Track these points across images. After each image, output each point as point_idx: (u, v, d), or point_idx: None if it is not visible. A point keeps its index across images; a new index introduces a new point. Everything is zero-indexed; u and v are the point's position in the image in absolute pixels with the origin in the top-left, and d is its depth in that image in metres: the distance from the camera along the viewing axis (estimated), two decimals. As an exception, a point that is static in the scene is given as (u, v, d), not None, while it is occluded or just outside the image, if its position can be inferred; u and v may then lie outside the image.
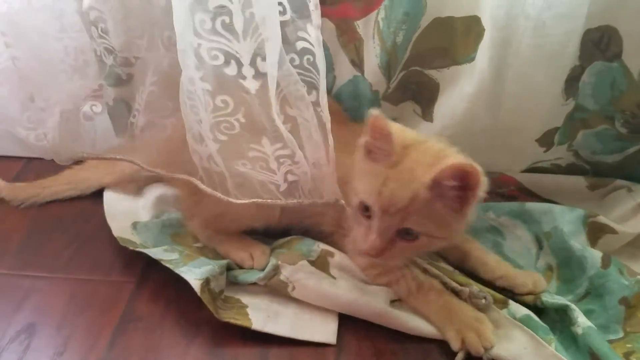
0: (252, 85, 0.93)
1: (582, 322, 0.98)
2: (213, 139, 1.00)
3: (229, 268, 1.10)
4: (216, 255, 1.14)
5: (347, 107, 1.29)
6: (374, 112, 0.88)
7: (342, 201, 1.06)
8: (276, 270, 1.06)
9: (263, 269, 1.08)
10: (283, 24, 0.90)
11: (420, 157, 0.91)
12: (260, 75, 0.92)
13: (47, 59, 1.13)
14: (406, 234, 0.92)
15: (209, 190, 1.08)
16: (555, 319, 1.04)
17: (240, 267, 1.12)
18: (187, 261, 1.07)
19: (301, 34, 0.91)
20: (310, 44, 0.92)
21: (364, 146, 0.94)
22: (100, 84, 1.15)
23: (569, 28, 1.03)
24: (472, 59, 1.12)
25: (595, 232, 1.17)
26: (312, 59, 0.94)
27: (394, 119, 1.27)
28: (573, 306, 1.00)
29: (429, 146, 0.94)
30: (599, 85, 1.15)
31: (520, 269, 1.13)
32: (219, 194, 1.07)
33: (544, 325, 1.01)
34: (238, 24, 0.87)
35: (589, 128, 1.22)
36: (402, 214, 0.89)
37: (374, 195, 0.90)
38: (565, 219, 1.16)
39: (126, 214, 1.23)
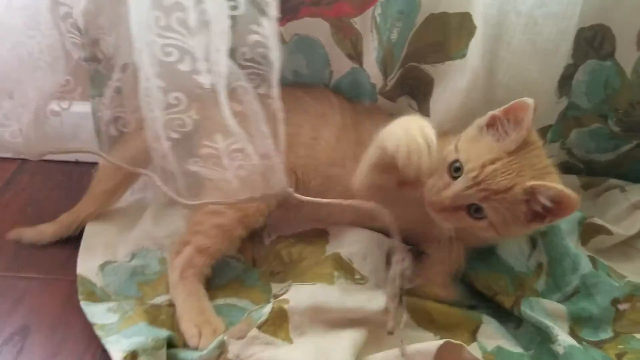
0: (206, 79, 0.92)
1: (563, 340, 0.96)
2: (166, 137, 0.99)
3: (171, 345, 0.98)
4: (170, 320, 1.04)
5: (347, 98, 1.29)
6: (527, 100, 0.90)
7: (290, 189, 1.04)
8: (222, 347, 0.95)
9: None
10: (236, 18, 0.90)
11: (534, 160, 0.93)
12: (213, 69, 0.92)
13: (26, 56, 1.12)
14: (475, 211, 0.93)
15: (164, 188, 1.06)
16: (533, 332, 1.03)
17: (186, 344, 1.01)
18: (123, 327, 0.98)
19: (254, 27, 0.91)
20: (264, 37, 0.92)
21: (490, 117, 0.96)
22: (67, 79, 1.14)
23: (561, 27, 1.02)
24: (464, 55, 1.12)
25: (590, 232, 1.17)
26: (264, 52, 0.93)
27: (391, 115, 1.28)
28: (550, 324, 0.99)
29: (542, 155, 0.96)
30: (592, 83, 1.15)
31: (510, 268, 1.14)
32: (172, 194, 1.05)
33: (518, 352, 1.00)
34: (192, 20, 0.87)
35: (582, 126, 1.22)
36: (487, 195, 0.91)
37: (476, 164, 0.92)
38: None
39: (104, 248, 1.19)
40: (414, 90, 1.25)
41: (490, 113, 0.96)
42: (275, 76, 0.94)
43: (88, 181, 1.26)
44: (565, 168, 1.28)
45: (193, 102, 0.95)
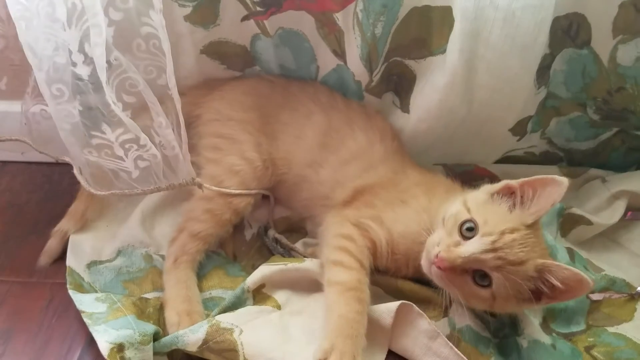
0: (83, 71, 0.94)
1: (528, 334, 0.97)
2: (60, 128, 1.01)
3: (156, 338, 0.97)
4: (156, 314, 1.05)
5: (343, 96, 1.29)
6: (561, 179, 0.88)
7: (198, 179, 1.07)
8: (214, 326, 0.95)
9: None
10: (127, 10, 0.93)
11: (540, 238, 0.92)
12: (91, 61, 0.93)
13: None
14: (480, 278, 0.91)
15: (78, 176, 1.08)
16: (504, 323, 1.03)
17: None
18: (111, 318, 0.99)
19: (145, 19, 0.93)
20: (155, 28, 0.94)
21: (504, 186, 0.94)
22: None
23: (539, 18, 1.02)
24: (444, 51, 1.12)
25: (571, 223, 1.18)
26: (157, 44, 0.95)
27: (377, 111, 1.28)
28: (522, 316, 0.99)
29: (542, 235, 0.95)
30: (570, 72, 1.16)
31: None
32: (84, 183, 1.07)
33: (486, 336, 1.00)
34: (61, 13, 0.89)
35: (561, 115, 1.23)
36: (498, 264, 0.88)
37: (495, 229, 0.89)
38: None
39: (91, 246, 1.18)
40: (397, 87, 1.25)
41: (505, 182, 0.94)
42: (169, 67, 0.96)
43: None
44: (546, 158, 1.32)
45: (76, 94, 0.96)
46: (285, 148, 1.18)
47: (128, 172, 1.04)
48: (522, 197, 0.92)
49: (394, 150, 1.17)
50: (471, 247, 0.88)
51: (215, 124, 1.22)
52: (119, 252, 1.17)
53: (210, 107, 1.24)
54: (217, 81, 1.28)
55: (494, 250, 0.87)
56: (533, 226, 0.90)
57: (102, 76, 0.93)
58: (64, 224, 1.18)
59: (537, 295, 0.89)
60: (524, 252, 0.87)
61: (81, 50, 0.92)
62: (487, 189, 0.96)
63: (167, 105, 1.00)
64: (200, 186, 1.09)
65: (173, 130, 1.01)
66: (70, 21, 0.90)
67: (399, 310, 0.95)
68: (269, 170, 1.18)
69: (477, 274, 0.90)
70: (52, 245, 1.16)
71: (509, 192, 0.93)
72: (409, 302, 0.95)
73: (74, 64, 0.93)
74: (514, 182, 0.93)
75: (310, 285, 1.05)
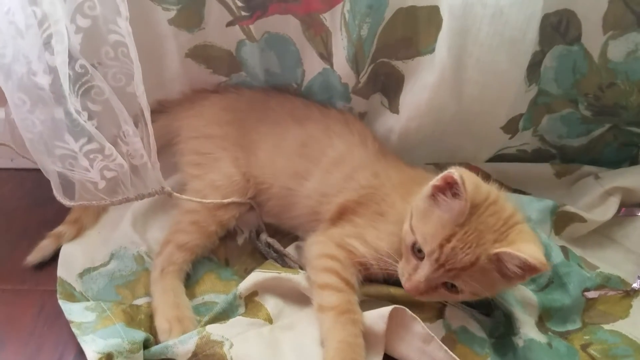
0: (44, 80, 0.93)
1: (524, 333, 0.96)
2: (25, 137, 1.00)
3: (147, 347, 0.97)
4: (148, 320, 1.05)
5: (319, 100, 1.29)
6: (453, 173, 0.86)
7: (168, 188, 1.07)
8: (204, 338, 0.95)
9: None
10: (95, 18, 0.92)
11: (490, 220, 0.88)
12: (53, 70, 0.92)
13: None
14: (452, 286, 0.91)
15: (54, 189, 1.08)
16: (499, 323, 1.03)
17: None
18: (99, 327, 0.98)
19: (112, 26, 0.93)
20: (122, 35, 0.94)
21: (432, 187, 0.91)
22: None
23: (527, 14, 1.02)
24: (433, 50, 1.11)
25: (564, 220, 1.17)
26: (126, 51, 0.95)
27: (364, 113, 1.29)
28: (518, 315, 0.99)
29: (499, 208, 0.90)
30: (560, 69, 1.15)
31: None
32: (56, 194, 1.07)
33: (482, 337, 1.00)
34: (19, 20, 0.89)
35: (553, 112, 1.23)
36: (456, 272, 0.88)
37: (433, 246, 0.88)
38: (533, 208, 1.16)
39: (83, 252, 1.17)
40: (385, 87, 1.24)
41: (431, 183, 0.91)
42: (137, 74, 0.95)
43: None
44: (539, 155, 1.31)
45: (38, 103, 0.95)
46: (265, 160, 1.18)
47: (94, 183, 1.03)
48: (445, 196, 0.89)
49: (375, 152, 1.16)
50: (422, 271, 0.90)
51: (195, 141, 1.23)
52: (112, 256, 1.16)
53: (189, 125, 1.25)
54: (200, 94, 1.29)
55: (441, 266, 0.88)
56: (470, 219, 0.87)
57: (65, 85, 0.92)
58: (60, 228, 1.19)
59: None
60: (469, 253, 0.86)
61: (41, 59, 0.91)
62: (423, 192, 0.93)
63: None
64: (170, 195, 1.09)
65: (142, 138, 1.00)
66: (28, 29, 0.89)
67: (392, 314, 0.94)
68: (249, 183, 1.18)
69: (447, 284, 0.91)
70: (44, 244, 1.16)
71: (448, 185, 0.89)
72: (402, 307, 0.95)
73: (34, 73, 0.92)
74: (435, 181, 0.90)
75: (303, 298, 1.04)
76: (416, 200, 0.95)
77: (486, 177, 1.25)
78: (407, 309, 0.94)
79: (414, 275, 0.91)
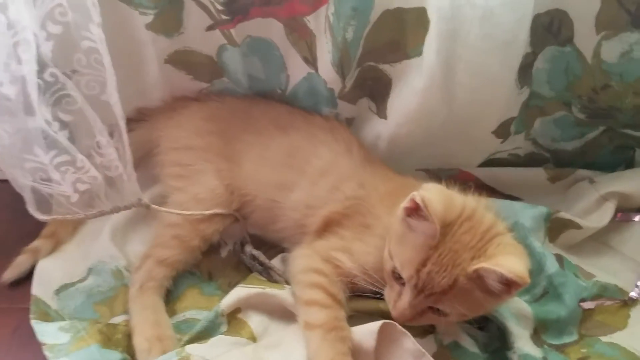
0: (10, 91, 0.90)
1: (519, 348, 0.93)
2: None
3: None
4: (125, 339, 1.02)
5: (305, 106, 1.26)
6: (418, 194, 0.83)
7: (145, 200, 1.05)
8: (183, 358, 0.92)
9: None
10: (66, 24, 0.89)
11: (465, 237, 0.85)
12: (19, 80, 0.89)
13: None
14: (437, 310, 0.88)
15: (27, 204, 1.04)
16: (493, 337, 1.00)
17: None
18: (73, 349, 0.95)
19: (84, 33, 0.90)
20: (95, 42, 0.91)
21: (404, 210, 0.88)
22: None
23: (518, 15, 1.00)
24: (421, 53, 1.09)
25: (559, 227, 1.15)
26: (99, 58, 0.93)
27: (352, 118, 1.27)
28: (511, 329, 0.96)
29: (475, 223, 0.86)
30: (553, 71, 1.13)
31: None
32: (30, 208, 1.04)
33: (475, 352, 0.97)
34: None
35: (546, 115, 1.20)
36: (436, 297, 0.85)
37: (410, 272, 0.85)
38: (526, 215, 1.13)
39: (61, 269, 1.14)
40: (373, 92, 1.22)
41: (402, 205, 0.88)
42: (110, 82, 0.93)
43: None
44: (532, 159, 1.28)
45: (4, 114, 0.92)
46: (249, 171, 1.16)
47: (66, 197, 0.99)
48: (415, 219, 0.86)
49: (361, 160, 1.12)
50: (405, 297, 0.87)
51: (176, 153, 1.20)
52: (89, 271, 1.13)
53: (170, 135, 1.22)
54: (180, 102, 1.26)
55: (420, 291, 0.85)
56: (443, 240, 0.84)
57: (34, 95, 0.89)
58: (36, 243, 1.15)
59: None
60: (446, 275, 0.83)
61: (8, 68, 0.87)
62: (399, 214, 0.89)
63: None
64: (147, 207, 1.06)
65: (117, 149, 0.97)
66: None
67: (381, 330, 0.91)
68: (233, 195, 1.15)
69: (431, 308, 0.88)
70: (21, 260, 1.13)
71: (416, 208, 0.85)
72: (392, 322, 0.91)
73: (0, 84, 0.88)
74: (405, 203, 0.87)
75: (290, 314, 1.00)
76: (392, 222, 0.91)
77: (468, 186, 1.22)
78: (397, 324, 0.91)
79: (398, 302, 0.89)
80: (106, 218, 1.18)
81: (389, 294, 0.92)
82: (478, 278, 0.82)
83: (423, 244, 0.84)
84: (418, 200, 0.82)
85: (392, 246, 0.90)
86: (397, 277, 0.89)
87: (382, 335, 0.92)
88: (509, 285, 0.80)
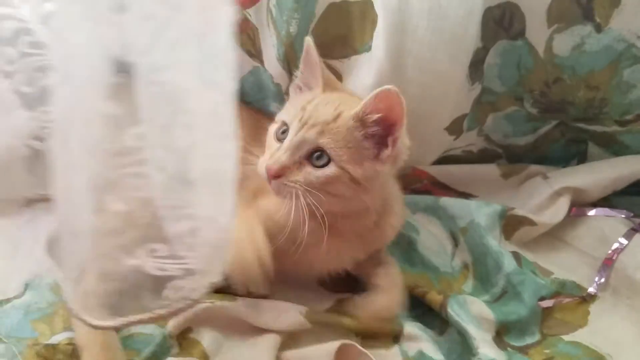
0: None
1: (483, 353, 0.91)
2: None
3: None
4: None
5: (252, 101, 1.22)
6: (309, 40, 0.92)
7: None
8: None
9: None
10: None
11: (346, 96, 0.93)
12: None
13: None
14: (317, 159, 0.86)
15: None
16: (455, 341, 0.97)
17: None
18: None
19: None
20: None
21: (296, 84, 0.96)
22: None
23: (468, 7, 0.98)
24: (370, 48, 1.06)
25: (514, 224, 1.13)
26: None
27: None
28: (473, 333, 0.93)
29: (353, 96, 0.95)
30: (504, 66, 1.11)
31: (434, 268, 1.11)
32: None
33: (439, 359, 0.94)
34: None
35: (498, 111, 1.19)
36: (320, 130, 0.86)
37: (295, 112, 0.89)
38: (481, 213, 1.12)
39: None
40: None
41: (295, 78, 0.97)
42: None
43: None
44: (485, 155, 1.26)
45: None
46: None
47: None
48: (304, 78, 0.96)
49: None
50: (288, 137, 0.88)
51: None
52: (26, 286, 1.05)
53: None
54: None
55: (305, 124, 0.87)
56: (328, 90, 0.93)
57: None
58: None
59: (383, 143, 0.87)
60: (331, 107, 0.88)
61: None
62: (293, 85, 0.99)
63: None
64: None
65: None
66: None
67: (339, 351, 0.87)
68: None
69: (312, 157, 0.87)
70: None
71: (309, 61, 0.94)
72: (351, 342, 0.88)
73: None
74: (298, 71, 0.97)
75: (245, 329, 0.95)
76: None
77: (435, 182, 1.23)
78: (357, 344, 0.87)
79: (277, 151, 0.88)
80: (42, 229, 1.13)
81: (266, 154, 0.91)
82: (362, 120, 0.85)
83: (311, 94, 0.93)
84: (305, 44, 0.92)
85: (278, 115, 0.94)
86: (281, 134, 0.91)
87: (341, 357, 0.88)
88: (385, 127, 0.85)
